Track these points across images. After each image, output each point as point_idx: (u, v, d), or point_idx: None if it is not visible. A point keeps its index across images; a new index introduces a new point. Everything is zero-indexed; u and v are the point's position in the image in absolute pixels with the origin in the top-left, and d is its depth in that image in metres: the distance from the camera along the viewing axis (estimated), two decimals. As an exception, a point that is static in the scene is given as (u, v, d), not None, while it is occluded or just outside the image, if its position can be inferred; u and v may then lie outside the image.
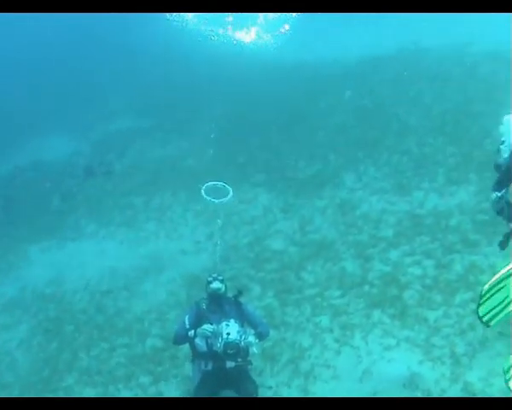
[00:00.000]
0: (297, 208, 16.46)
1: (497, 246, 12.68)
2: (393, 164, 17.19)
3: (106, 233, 18.13)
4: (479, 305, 7.77)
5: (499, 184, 9.43)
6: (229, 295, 10.77)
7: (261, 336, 10.42)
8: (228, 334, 9.80)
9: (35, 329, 14.67)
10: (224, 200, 12.43)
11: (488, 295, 7.71)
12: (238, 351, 9.85)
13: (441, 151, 17.08)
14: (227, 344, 9.76)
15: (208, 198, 12.44)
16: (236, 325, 10.03)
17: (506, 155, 9.49)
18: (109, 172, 21.41)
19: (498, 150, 9.66)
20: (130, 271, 15.93)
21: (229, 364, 10.07)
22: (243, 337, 9.86)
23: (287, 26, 25.67)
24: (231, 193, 12.37)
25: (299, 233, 15.48)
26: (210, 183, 12.54)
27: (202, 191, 12.47)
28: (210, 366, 10.19)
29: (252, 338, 9.98)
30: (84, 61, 31.14)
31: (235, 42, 25.47)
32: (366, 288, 12.96)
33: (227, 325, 9.91)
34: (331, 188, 16.93)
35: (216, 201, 12.44)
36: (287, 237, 15.49)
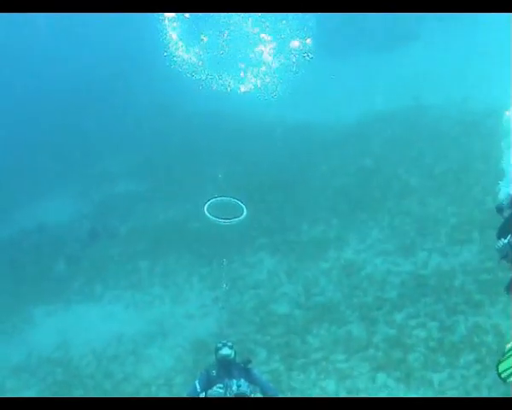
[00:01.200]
0: (301, 271, 16.56)
1: (500, 306, 12.89)
2: (396, 225, 17.32)
3: (112, 297, 18.21)
4: (499, 362, 7.97)
5: (503, 230, 9.61)
6: (238, 361, 10.78)
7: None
8: (239, 386, 9.83)
9: (44, 393, 14.65)
10: (234, 220, 10.85)
11: (510, 354, 7.90)
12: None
13: (443, 211, 17.25)
14: (238, 394, 9.78)
15: (213, 218, 10.88)
16: (246, 384, 10.06)
17: (506, 196, 9.74)
18: (114, 236, 21.56)
19: (499, 189, 9.90)
20: (137, 336, 15.97)
21: None
22: (253, 393, 9.89)
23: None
24: (245, 212, 10.87)
25: (303, 296, 15.56)
26: (216, 198, 11.17)
27: (205, 210, 11.01)
28: None
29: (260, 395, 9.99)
30: (83, 120, 31.44)
31: (229, 89, 25.88)
32: (371, 351, 13.02)
33: (238, 385, 9.95)
34: (335, 250, 17.05)
35: (222, 221, 10.85)
36: (291, 300, 15.56)
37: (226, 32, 18.26)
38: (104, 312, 17.64)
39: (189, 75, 18.97)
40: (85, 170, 27.83)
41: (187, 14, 18.37)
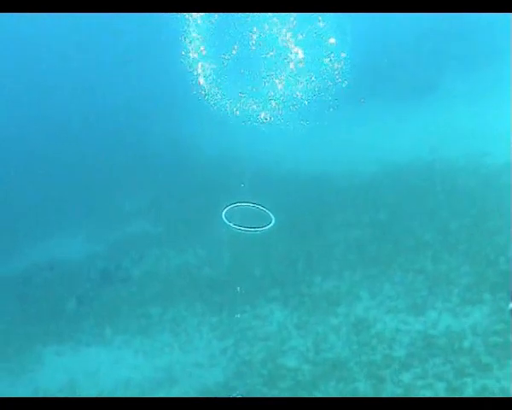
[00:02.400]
0: (311, 325, 16.55)
1: (508, 370, 12.82)
2: (408, 282, 17.25)
3: (121, 341, 18.25)
4: None
5: None
6: None
7: None
8: None
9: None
10: (259, 230, 10.21)
11: None
12: None
13: (456, 270, 17.16)
14: None
15: (234, 225, 10.19)
16: None
17: None
18: (126, 279, 21.56)
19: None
20: (145, 382, 15.96)
21: None
22: None
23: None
24: (273, 221, 10.23)
25: (312, 351, 15.55)
26: (240, 204, 10.44)
27: (223, 216, 10.31)
28: None
29: None
30: (98, 157, 31.70)
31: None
32: (377, 411, 12.91)
33: None
34: (346, 305, 17.03)
35: (243, 229, 10.17)
36: (300, 354, 15.55)
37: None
38: (113, 356, 17.69)
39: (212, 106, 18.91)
40: (99, 208, 27.93)
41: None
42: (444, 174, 23.12)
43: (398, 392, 13.43)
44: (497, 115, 25.74)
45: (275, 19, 15.65)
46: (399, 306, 16.50)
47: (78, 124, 34.07)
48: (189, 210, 25.22)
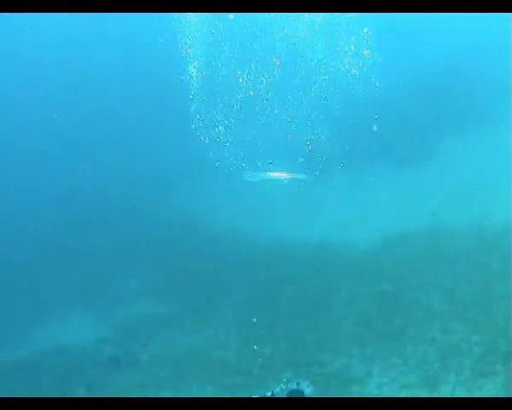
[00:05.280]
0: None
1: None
2: (419, 355, 17.22)
3: (133, 431, 17.96)
4: None
5: None
6: None
7: None
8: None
9: None
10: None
11: None
12: None
13: (466, 340, 17.15)
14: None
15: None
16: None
17: None
18: (134, 363, 21.40)
19: None
20: None
21: None
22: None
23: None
24: None
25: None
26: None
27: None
28: None
29: None
30: (101, 234, 31.78)
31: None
32: None
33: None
34: (359, 384, 16.93)
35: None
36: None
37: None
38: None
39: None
40: (103, 289, 27.80)
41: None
42: (446, 241, 23.23)
43: None
44: (496, 177, 25.99)
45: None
46: (412, 381, 16.43)
47: (81, 202, 34.16)
48: (196, 292, 25.12)
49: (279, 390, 10.11)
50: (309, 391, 10.15)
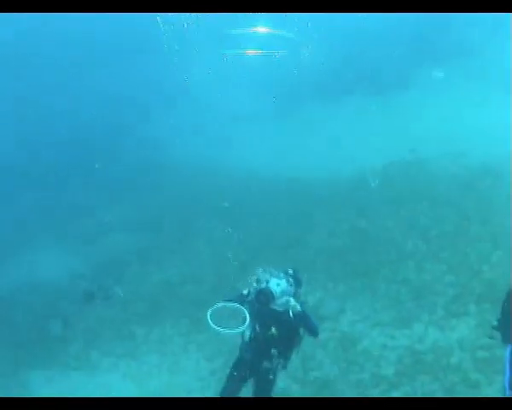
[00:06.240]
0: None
1: (497, 386, 12.92)
2: (392, 294, 17.32)
3: (108, 365, 18.10)
4: None
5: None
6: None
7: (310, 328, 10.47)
8: (267, 282, 9.88)
9: None
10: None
11: None
12: (268, 299, 9.94)
13: (440, 280, 17.24)
14: (260, 290, 9.99)
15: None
16: (285, 283, 10.21)
17: None
18: (108, 298, 21.32)
19: None
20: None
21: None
22: (281, 294, 10.05)
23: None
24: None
25: (301, 370, 15.47)
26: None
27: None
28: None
29: (294, 303, 10.09)
30: (73, 168, 31.33)
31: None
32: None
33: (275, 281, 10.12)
34: (332, 321, 17.00)
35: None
36: (289, 374, 15.44)
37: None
38: (101, 380, 17.51)
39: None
40: (78, 223, 27.56)
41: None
42: (423, 178, 23.18)
43: (388, 412, 13.43)
44: (474, 114, 25.90)
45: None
46: (385, 319, 16.56)
47: (57, 138, 33.53)
48: (171, 226, 24.95)
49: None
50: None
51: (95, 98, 35.60)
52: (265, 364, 10.42)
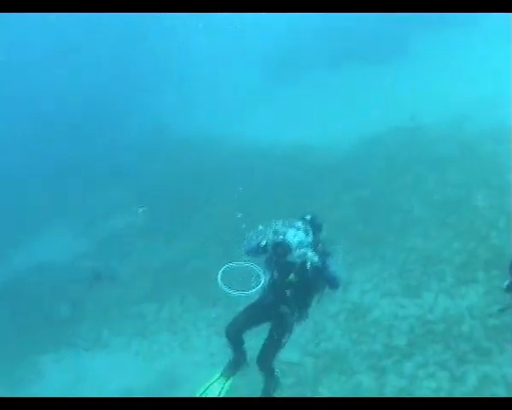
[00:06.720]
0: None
1: (508, 355, 12.96)
2: (400, 263, 17.27)
3: (119, 344, 18.20)
4: None
5: None
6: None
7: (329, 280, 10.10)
8: (284, 233, 9.64)
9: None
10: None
11: None
12: (286, 251, 9.65)
13: (447, 247, 17.17)
14: (277, 243, 9.63)
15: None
16: (302, 234, 9.78)
17: None
18: (115, 277, 21.23)
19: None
20: (149, 387, 15.92)
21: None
22: (299, 245, 9.69)
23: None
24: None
25: (312, 342, 15.51)
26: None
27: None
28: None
29: (311, 254, 9.71)
30: (79, 149, 31.11)
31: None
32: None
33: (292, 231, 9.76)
34: (341, 291, 16.92)
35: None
36: (301, 347, 15.51)
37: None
38: (113, 360, 17.60)
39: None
40: (81, 204, 27.42)
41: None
42: (425, 143, 23.03)
43: (401, 383, 13.55)
44: (475, 78, 25.70)
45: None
46: (394, 288, 16.56)
47: (59, 119, 33.28)
48: (175, 203, 24.72)
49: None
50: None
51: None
52: (283, 308, 10.26)
